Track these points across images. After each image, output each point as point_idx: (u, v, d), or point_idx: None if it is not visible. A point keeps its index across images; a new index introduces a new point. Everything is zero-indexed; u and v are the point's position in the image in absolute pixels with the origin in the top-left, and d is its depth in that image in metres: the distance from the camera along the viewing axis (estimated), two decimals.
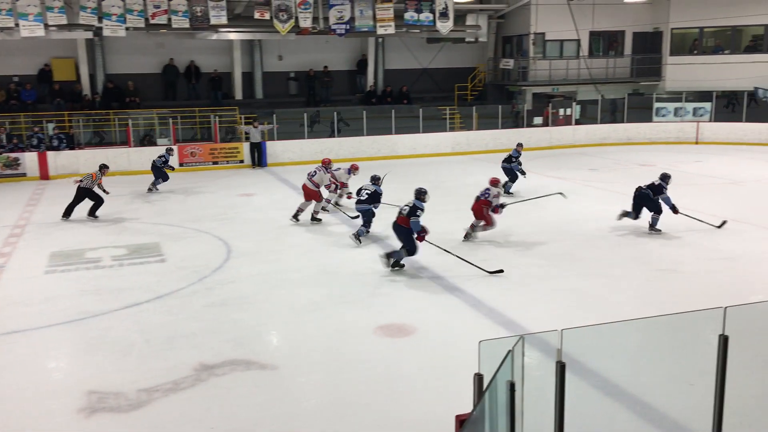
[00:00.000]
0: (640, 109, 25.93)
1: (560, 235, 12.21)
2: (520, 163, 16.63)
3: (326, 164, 14.01)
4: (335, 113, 22.67)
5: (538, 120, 25.03)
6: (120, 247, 11.94)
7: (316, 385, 6.76)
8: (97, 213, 14.22)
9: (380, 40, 26.45)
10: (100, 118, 22.06)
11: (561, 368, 3.80)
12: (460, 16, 25.27)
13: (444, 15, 23.57)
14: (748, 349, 4.87)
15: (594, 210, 14.14)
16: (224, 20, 21.49)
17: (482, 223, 12.05)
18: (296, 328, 8.26)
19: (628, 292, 9.29)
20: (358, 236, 11.93)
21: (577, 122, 25.34)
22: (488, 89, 28.09)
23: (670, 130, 25.05)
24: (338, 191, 14.38)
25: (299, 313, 8.69)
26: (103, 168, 14.66)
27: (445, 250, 10.47)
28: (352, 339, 7.83)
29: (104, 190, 14.46)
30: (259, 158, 21.34)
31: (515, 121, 25.41)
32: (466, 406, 4.11)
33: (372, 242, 11.98)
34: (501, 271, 10.01)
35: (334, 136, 22.67)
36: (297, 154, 21.84)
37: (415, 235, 10.05)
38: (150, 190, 17.22)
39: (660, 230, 12.20)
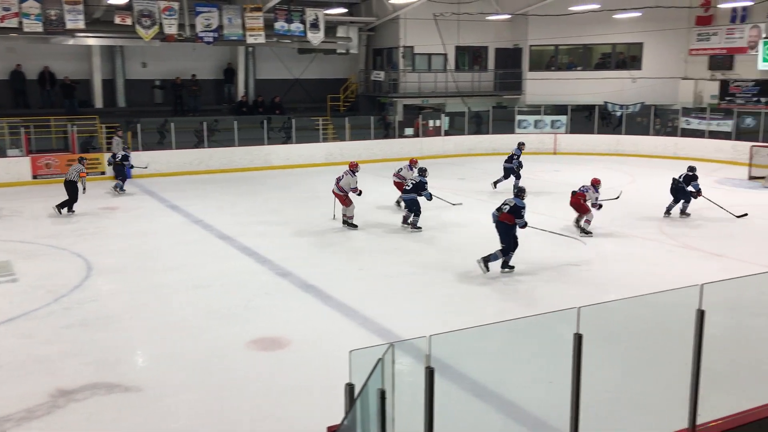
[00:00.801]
0: (504, 121, 27.21)
1: (431, 243, 12.54)
2: (520, 163, 17.67)
3: (353, 167, 13.75)
4: (204, 123, 22.03)
5: (409, 131, 25.61)
6: None
7: (185, 405, 6.50)
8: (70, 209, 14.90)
9: (250, 49, 26.08)
10: None
11: (430, 373, 3.87)
12: (331, 27, 25.43)
13: (315, 26, 23.63)
14: (601, 347, 5.20)
15: (463, 218, 14.64)
16: (81, 25, 20.36)
17: (584, 217, 13.05)
18: (164, 346, 7.92)
19: (494, 294, 9.68)
20: (415, 225, 13.37)
21: (446, 133, 26.17)
22: (360, 100, 28.42)
23: (530, 141, 26.32)
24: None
25: (167, 330, 8.34)
26: (83, 160, 15.64)
27: (551, 232, 11.93)
28: (224, 355, 7.61)
29: (84, 187, 15.09)
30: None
31: (387, 131, 25.86)
32: (340, 417, 4.10)
33: (243, 253, 11.74)
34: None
35: (203, 147, 22.01)
36: (164, 165, 21.02)
37: (516, 230, 10.42)
38: (119, 189, 17.64)
39: (689, 214, 14.39)
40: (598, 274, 10.67)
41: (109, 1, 20.12)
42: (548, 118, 26.82)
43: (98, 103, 24.22)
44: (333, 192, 13.79)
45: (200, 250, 12.17)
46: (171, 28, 21.24)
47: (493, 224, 10.65)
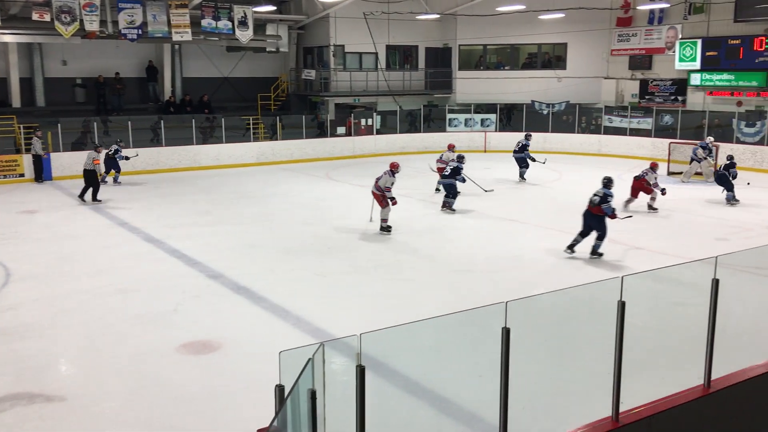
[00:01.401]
0: (435, 120, 27.52)
1: (364, 242, 12.55)
2: (529, 153, 19.00)
3: (394, 168, 13.30)
4: (129, 123, 21.36)
5: (341, 130, 25.57)
6: None
7: (112, 413, 6.30)
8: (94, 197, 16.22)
9: (177, 47, 25.47)
10: None
11: (361, 372, 3.87)
12: (260, 25, 25.12)
13: (243, 24, 23.29)
14: (529, 339, 5.32)
15: (396, 216, 14.69)
16: None
17: (649, 197, 14.80)
18: (88, 354, 7.65)
19: (428, 292, 9.77)
20: (450, 206, 14.80)
21: (378, 132, 26.27)
22: (291, 99, 28.19)
23: (461, 139, 26.80)
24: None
25: (92, 337, 8.06)
26: (97, 147, 16.82)
27: (627, 217, 12.60)
28: (151, 360, 7.41)
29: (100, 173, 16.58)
30: (41, 171, 19.50)
31: (319, 130, 25.74)
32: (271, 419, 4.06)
33: (171, 256, 11.46)
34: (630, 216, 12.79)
35: (128, 147, 21.34)
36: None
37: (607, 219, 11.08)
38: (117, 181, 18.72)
39: (738, 201, 15.66)
40: (528, 269, 10.92)
41: None
42: (478, 117, 27.27)
43: (16, 102, 23.18)
44: (372, 192, 13.42)
45: (126, 253, 11.80)
46: (92, 25, 20.52)
47: (582, 216, 11.33)
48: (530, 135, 20.12)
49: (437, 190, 16.81)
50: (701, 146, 19.25)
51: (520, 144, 19.31)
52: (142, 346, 7.78)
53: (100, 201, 16.19)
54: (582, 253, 11.69)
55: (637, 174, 15.16)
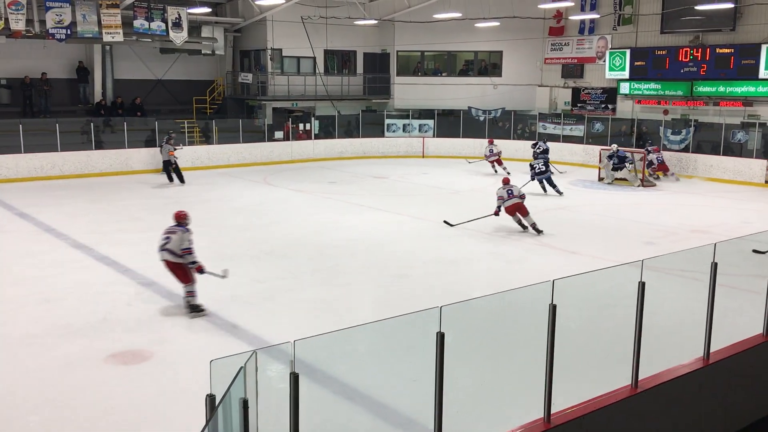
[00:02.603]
0: (373, 125, 27.60)
1: (300, 247, 12.44)
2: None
3: (181, 219, 11.46)
4: (56, 125, 20.61)
5: (279, 134, 25.34)
6: None
7: (36, 425, 6.04)
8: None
9: (108, 47, 24.71)
10: None
11: (294, 379, 3.82)
12: (195, 27, 24.67)
13: (177, 25, 22.83)
14: (464, 343, 5.37)
15: (333, 221, 14.66)
16: None
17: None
18: (12, 365, 7.31)
19: (365, 297, 9.76)
20: (558, 191, 17.47)
21: (317, 137, 26.13)
22: (228, 103, 27.76)
23: (400, 144, 26.99)
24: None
25: (14, 348, 7.71)
26: (169, 139, 19.88)
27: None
28: (80, 371, 7.14)
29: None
30: None
31: (257, 134, 25.43)
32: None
33: (101, 263, 11.09)
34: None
35: (57, 150, 20.58)
36: (12, 171, 19.50)
37: None
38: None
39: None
40: (464, 273, 11.03)
41: None
42: (416, 122, 27.49)
43: None
44: (164, 262, 8.95)
45: (52, 260, 11.35)
46: (18, 24, 19.74)
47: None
48: (545, 140, 21.86)
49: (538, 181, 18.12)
50: (608, 156, 20.04)
51: (541, 147, 20.15)
52: (68, 356, 7.49)
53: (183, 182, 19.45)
54: (515, 255, 11.91)
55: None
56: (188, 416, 6.00)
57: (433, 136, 27.27)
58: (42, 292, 9.65)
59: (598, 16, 25.01)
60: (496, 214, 13.56)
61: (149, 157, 21.83)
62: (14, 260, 11.35)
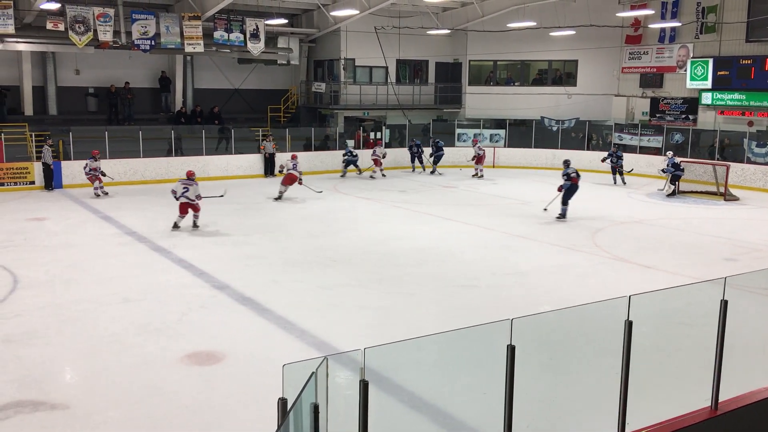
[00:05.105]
0: (444, 134, 27.53)
1: (367, 255, 12.52)
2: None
3: (191, 175, 14.39)
4: (140, 132, 21.49)
5: (350, 143, 25.61)
6: None
7: (114, 422, 6.28)
8: None
9: (189, 58, 25.65)
10: None
11: (364, 386, 3.84)
12: (272, 38, 25.28)
13: (255, 36, 23.45)
14: (534, 357, 5.28)
15: (400, 230, 14.70)
16: (11, 30, 19.65)
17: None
18: (93, 362, 7.64)
19: (431, 307, 9.72)
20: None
21: (387, 145, 26.28)
22: (301, 112, 28.29)
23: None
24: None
25: (96, 346, 8.06)
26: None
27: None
28: (156, 370, 7.40)
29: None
30: (51, 179, 19.61)
31: (327, 143, 25.79)
32: None
33: (177, 266, 11.47)
34: None
35: (139, 156, 21.46)
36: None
37: None
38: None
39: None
40: (534, 285, 10.85)
41: (41, 6, 19.49)
42: (487, 132, 27.28)
43: (28, 110, 23.37)
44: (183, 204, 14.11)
45: (132, 262, 11.82)
46: (106, 35, 20.71)
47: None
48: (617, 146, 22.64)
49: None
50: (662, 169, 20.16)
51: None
52: (145, 355, 7.77)
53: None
54: (586, 269, 11.64)
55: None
56: (259, 418, 6.12)
57: (505, 146, 27.00)
58: (122, 292, 10.06)
59: (679, 24, 24.22)
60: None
61: (225, 163, 22.46)
62: (97, 261, 11.88)
